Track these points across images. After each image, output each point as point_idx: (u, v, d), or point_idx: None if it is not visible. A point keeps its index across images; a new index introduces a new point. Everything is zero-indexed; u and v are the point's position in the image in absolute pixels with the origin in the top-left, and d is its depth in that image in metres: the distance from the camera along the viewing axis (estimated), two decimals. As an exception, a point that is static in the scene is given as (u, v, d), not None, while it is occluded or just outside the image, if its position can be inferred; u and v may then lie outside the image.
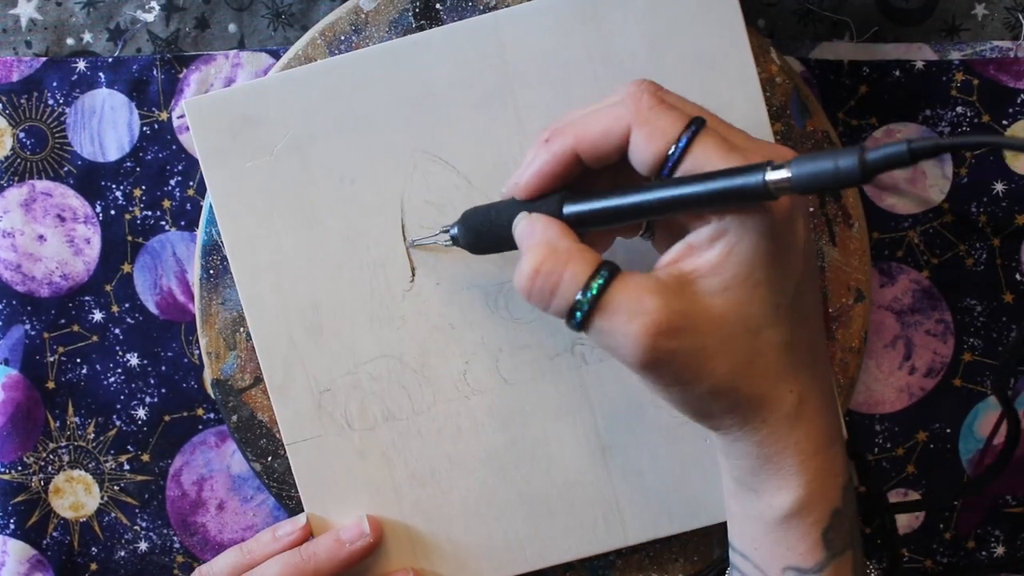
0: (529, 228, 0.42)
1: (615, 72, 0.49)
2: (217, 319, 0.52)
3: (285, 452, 0.51)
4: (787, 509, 0.42)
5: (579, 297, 0.39)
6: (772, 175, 0.36)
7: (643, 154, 0.40)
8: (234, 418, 0.52)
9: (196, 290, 0.52)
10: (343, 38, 0.51)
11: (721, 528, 0.49)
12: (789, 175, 0.36)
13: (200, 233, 0.52)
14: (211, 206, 0.51)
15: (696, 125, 0.39)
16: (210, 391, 0.54)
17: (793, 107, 0.51)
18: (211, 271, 0.52)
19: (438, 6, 0.51)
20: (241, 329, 0.52)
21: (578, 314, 0.39)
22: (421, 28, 0.51)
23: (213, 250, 0.52)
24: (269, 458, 0.53)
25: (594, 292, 0.39)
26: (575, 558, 0.51)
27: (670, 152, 0.39)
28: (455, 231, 0.46)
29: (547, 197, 0.42)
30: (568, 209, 0.42)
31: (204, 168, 0.50)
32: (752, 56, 0.49)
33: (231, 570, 0.50)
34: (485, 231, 0.45)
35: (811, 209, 0.51)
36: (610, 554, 0.52)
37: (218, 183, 0.50)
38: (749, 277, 0.39)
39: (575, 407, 0.51)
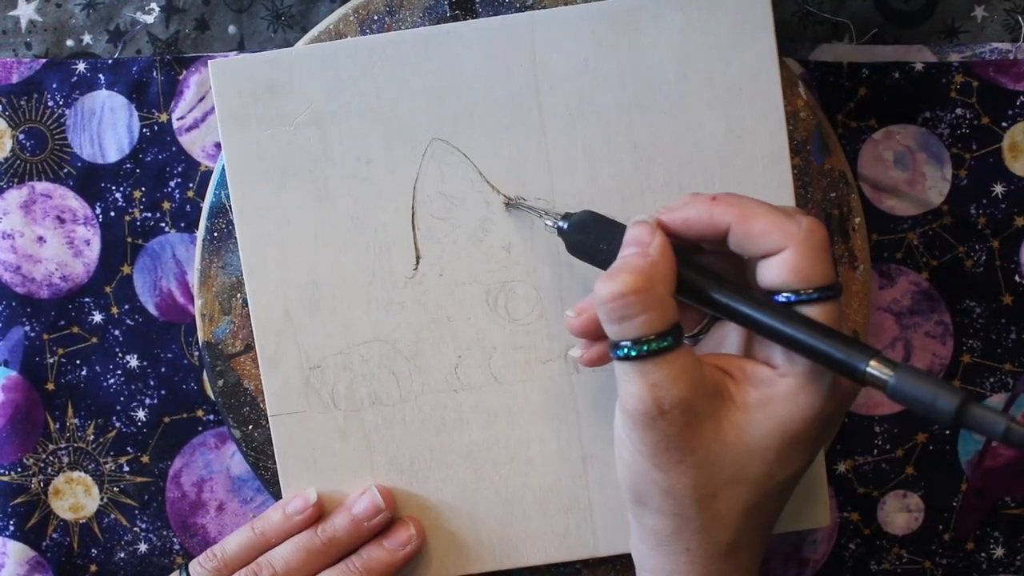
0: (644, 241, 0.41)
1: (643, 87, 0.49)
2: (215, 282, 0.52)
3: (267, 422, 0.51)
4: None
5: (634, 341, 0.40)
6: (874, 370, 0.37)
7: (777, 278, 0.40)
8: (220, 383, 0.52)
9: (198, 250, 0.52)
10: (376, 18, 0.51)
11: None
12: (888, 380, 0.37)
13: (209, 194, 0.52)
14: (223, 169, 0.51)
15: (835, 292, 0.40)
16: (201, 353, 0.54)
17: (814, 143, 0.51)
18: (215, 233, 0.52)
19: (475, -2, 0.51)
20: (238, 295, 0.52)
21: (623, 351, 0.40)
22: (455, 18, 0.51)
23: (220, 213, 0.52)
24: (250, 426, 0.52)
25: (649, 349, 0.39)
26: (543, 563, 0.52)
27: (803, 295, 0.40)
28: (564, 224, 0.46)
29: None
30: (683, 270, 0.41)
31: (222, 131, 0.49)
32: (780, 88, 0.49)
33: (244, 552, 0.50)
34: (596, 240, 0.44)
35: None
36: (577, 562, 0.53)
37: (234, 148, 0.49)
38: (785, 434, 0.40)
39: (561, 413, 0.51)
